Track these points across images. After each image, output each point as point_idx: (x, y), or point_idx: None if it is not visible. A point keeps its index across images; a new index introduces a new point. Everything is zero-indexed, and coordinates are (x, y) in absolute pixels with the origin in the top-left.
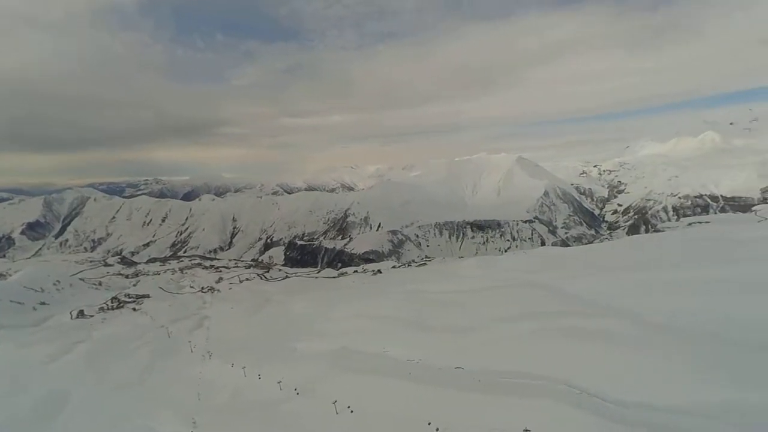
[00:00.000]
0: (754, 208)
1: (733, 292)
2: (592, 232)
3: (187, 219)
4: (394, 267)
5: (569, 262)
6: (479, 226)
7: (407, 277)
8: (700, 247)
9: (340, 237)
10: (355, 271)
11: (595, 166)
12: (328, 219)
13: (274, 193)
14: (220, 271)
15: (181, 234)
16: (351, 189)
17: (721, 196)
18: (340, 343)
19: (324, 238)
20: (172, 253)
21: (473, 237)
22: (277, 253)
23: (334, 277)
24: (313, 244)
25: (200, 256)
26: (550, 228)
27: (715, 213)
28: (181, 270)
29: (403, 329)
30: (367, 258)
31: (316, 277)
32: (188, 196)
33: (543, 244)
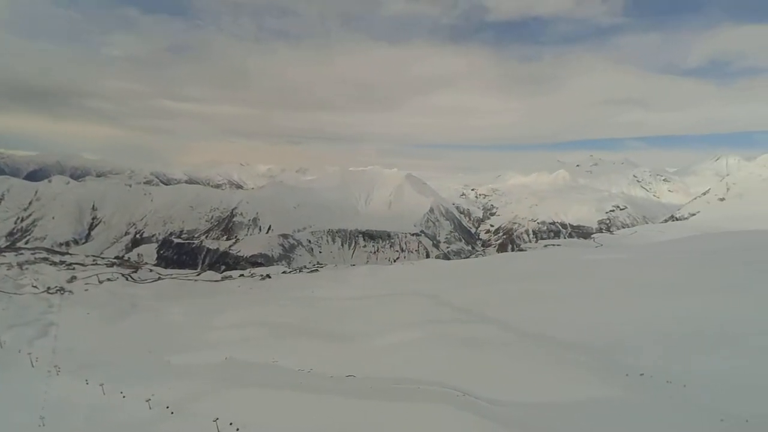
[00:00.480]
0: (593, 235)
1: (583, 302)
2: (469, 247)
3: (31, 203)
4: (284, 272)
5: (451, 274)
6: (371, 236)
7: (299, 282)
8: (554, 264)
9: (225, 237)
10: (242, 275)
11: (472, 190)
12: (212, 217)
13: (147, 183)
14: (74, 269)
15: (22, 221)
16: (239, 187)
17: (569, 224)
18: (224, 355)
19: (206, 237)
20: (8, 243)
21: (365, 246)
22: (149, 251)
23: (217, 281)
24: (193, 244)
25: (47, 249)
26: (434, 242)
27: (565, 237)
28: (20, 265)
29: (294, 337)
30: (255, 262)
31: (196, 281)
32: (34, 176)
33: (428, 256)
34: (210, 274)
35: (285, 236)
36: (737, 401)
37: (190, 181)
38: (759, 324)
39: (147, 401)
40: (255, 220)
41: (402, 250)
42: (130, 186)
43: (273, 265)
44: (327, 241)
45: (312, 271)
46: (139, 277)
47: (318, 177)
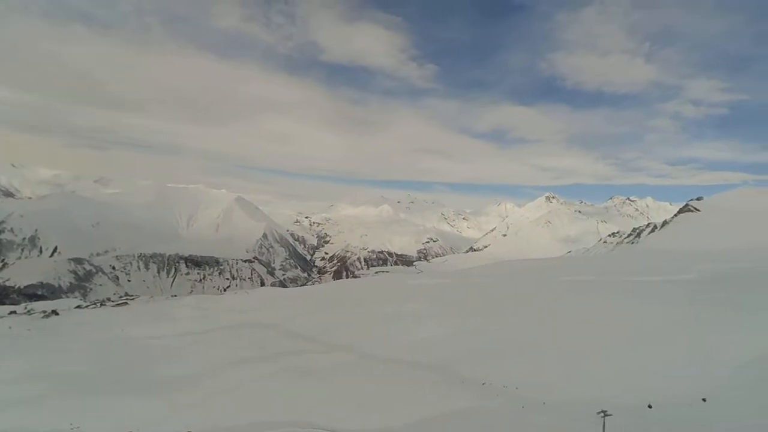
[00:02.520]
0: (414, 263)
1: (418, 323)
2: (305, 274)
3: None
4: (79, 307)
5: (291, 302)
6: (195, 262)
7: (101, 319)
8: (388, 288)
9: None
10: (13, 312)
11: (306, 217)
12: None
13: None
14: None
15: None
16: (10, 195)
17: (395, 252)
18: None
19: None
20: None
21: (188, 273)
22: None
23: None
24: None
25: None
26: (269, 269)
27: (391, 265)
28: None
29: (99, 392)
30: (33, 294)
31: None
32: None
33: (263, 284)
34: None
35: (78, 261)
36: (539, 392)
37: None
38: (548, 331)
39: None
40: (33, 239)
41: (233, 278)
42: None
43: (61, 297)
44: (138, 267)
45: (119, 305)
46: None
47: (125, 191)
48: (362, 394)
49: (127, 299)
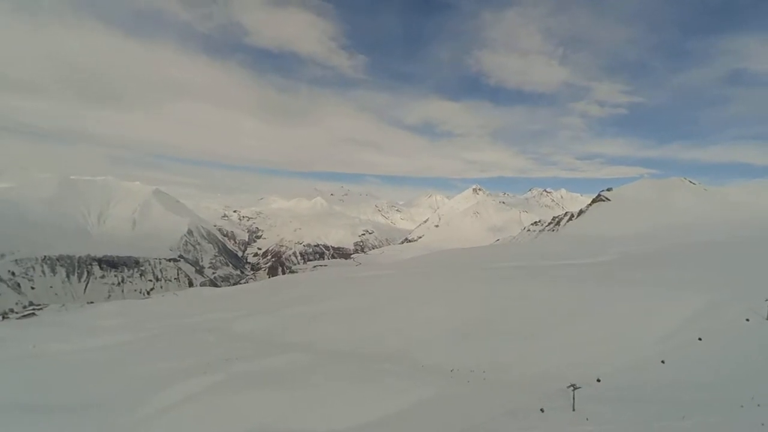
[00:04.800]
0: (352, 255)
1: (371, 316)
2: (238, 272)
3: None
4: None
5: (227, 303)
6: (111, 264)
7: (9, 334)
8: (330, 284)
9: None
10: None
11: (235, 211)
12: None
13: None
14: None
15: None
16: None
17: (331, 246)
18: None
19: None
20: None
21: (104, 276)
22: None
23: None
24: None
25: None
26: (197, 268)
27: (328, 258)
28: None
29: (14, 419)
30: None
31: None
32: None
33: (191, 284)
34: None
35: None
36: (502, 373)
37: None
38: (495, 315)
39: None
40: None
41: (157, 279)
42: None
43: None
44: (43, 272)
45: (25, 316)
46: None
47: (19, 185)
48: (329, 394)
49: (34, 309)
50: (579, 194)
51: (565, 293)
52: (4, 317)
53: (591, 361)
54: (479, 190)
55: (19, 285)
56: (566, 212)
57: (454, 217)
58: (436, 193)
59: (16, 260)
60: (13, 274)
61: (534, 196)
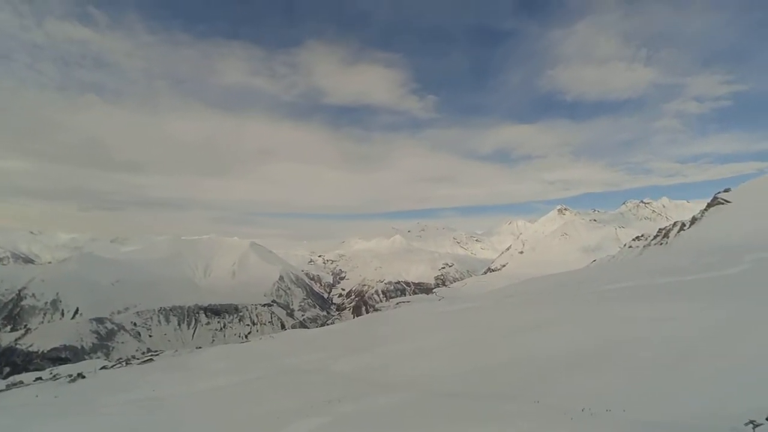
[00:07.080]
0: (434, 290)
1: (467, 352)
2: (324, 313)
3: None
4: (104, 368)
5: (320, 343)
6: (215, 311)
7: (128, 379)
8: (417, 319)
9: (9, 328)
10: (39, 379)
11: (319, 256)
12: None
13: None
14: None
15: None
16: (30, 261)
17: (411, 282)
18: None
19: None
20: None
21: (208, 323)
22: None
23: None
24: None
25: None
26: (288, 311)
27: (410, 294)
28: None
29: None
30: (57, 357)
31: None
32: None
33: (283, 327)
34: None
35: (100, 320)
36: (643, 413)
37: None
38: (610, 344)
39: None
40: (55, 302)
41: (253, 323)
42: None
43: (85, 359)
44: (158, 321)
45: (145, 362)
46: None
47: (142, 247)
48: None
49: (152, 355)
50: (685, 201)
51: (690, 314)
52: (127, 363)
53: (761, 391)
54: (565, 209)
55: (139, 334)
56: (675, 222)
57: (540, 241)
58: (517, 219)
59: (137, 312)
60: (135, 324)
61: (630, 210)
